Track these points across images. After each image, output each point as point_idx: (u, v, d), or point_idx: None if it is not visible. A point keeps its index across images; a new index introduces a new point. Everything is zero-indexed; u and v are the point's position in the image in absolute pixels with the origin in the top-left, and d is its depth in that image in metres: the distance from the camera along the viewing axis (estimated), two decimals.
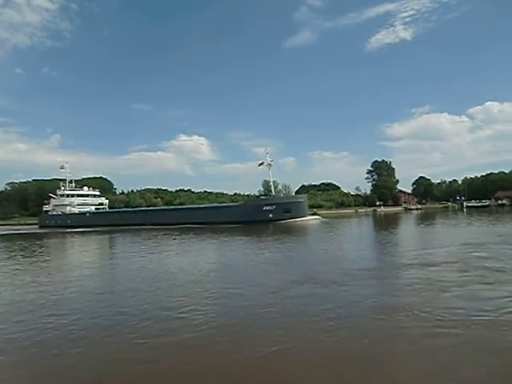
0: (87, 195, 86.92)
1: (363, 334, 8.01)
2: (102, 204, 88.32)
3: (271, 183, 75.85)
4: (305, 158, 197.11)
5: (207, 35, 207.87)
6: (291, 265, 18.25)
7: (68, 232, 59.94)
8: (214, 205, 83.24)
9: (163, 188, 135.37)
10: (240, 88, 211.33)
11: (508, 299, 10.02)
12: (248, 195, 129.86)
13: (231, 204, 79.16)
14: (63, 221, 79.96)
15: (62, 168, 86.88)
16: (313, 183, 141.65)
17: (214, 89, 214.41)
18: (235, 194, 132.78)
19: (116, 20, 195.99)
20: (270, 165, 68.76)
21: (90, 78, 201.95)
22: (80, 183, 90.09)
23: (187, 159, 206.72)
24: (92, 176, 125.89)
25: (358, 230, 43.11)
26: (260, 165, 68.78)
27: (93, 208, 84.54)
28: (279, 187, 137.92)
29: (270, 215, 60.24)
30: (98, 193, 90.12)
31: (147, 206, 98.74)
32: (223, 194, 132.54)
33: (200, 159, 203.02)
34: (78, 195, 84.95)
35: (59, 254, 29.36)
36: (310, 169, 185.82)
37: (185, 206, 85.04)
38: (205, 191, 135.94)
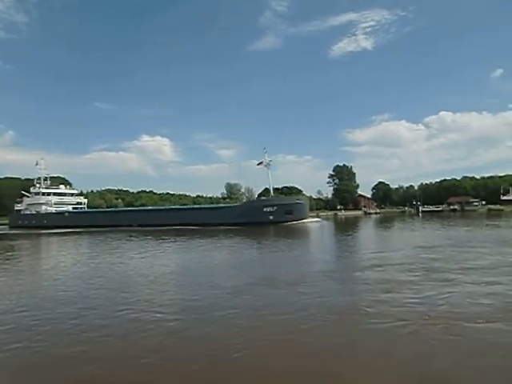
0: (64, 194, 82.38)
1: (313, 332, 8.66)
2: (80, 203, 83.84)
3: (270, 183, 72.48)
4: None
5: (171, 35, 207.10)
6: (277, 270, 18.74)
7: (44, 233, 56.72)
8: (210, 205, 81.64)
9: (124, 189, 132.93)
10: (204, 89, 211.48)
11: (451, 296, 11.08)
12: (211, 197, 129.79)
13: (228, 205, 76.87)
14: (38, 221, 75.17)
15: (36, 164, 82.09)
16: (275, 186, 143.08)
17: (178, 90, 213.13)
18: (198, 196, 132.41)
19: (77, 15, 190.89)
20: (268, 164, 67.31)
21: (48, 74, 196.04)
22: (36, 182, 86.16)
23: (149, 160, 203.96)
24: (49, 175, 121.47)
25: (323, 234, 44.30)
26: (259, 164, 67.58)
27: (70, 207, 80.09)
28: (242, 190, 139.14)
29: (271, 217, 58.58)
30: (76, 191, 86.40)
31: (107, 207, 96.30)
32: (186, 195, 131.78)
33: (163, 160, 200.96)
34: (55, 193, 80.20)
35: (29, 257, 27.96)
36: (274, 172, 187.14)
37: (177, 207, 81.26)
38: (167, 193, 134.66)
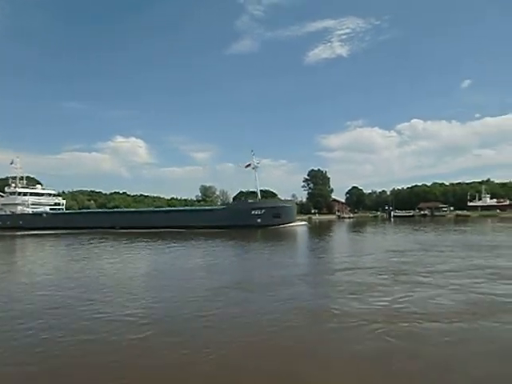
0: (41, 194, 79.07)
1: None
2: (58, 204, 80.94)
3: (257, 186, 72.08)
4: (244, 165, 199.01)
5: (147, 37, 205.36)
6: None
7: (19, 235, 54.43)
8: (196, 207, 79.38)
9: (97, 190, 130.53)
10: (180, 91, 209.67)
11: (415, 298, 11.64)
12: (185, 200, 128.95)
13: (215, 207, 75.26)
14: (13, 222, 71.81)
15: (11, 163, 78.78)
16: (251, 190, 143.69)
17: (153, 91, 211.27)
18: (172, 198, 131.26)
19: (50, 13, 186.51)
20: (256, 167, 67.02)
21: (19, 71, 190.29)
22: (4, 182, 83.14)
23: (123, 161, 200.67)
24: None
25: (305, 238, 44.86)
26: (247, 166, 67.17)
27: (47, 208, 76.97)
28: (217, 192, 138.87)
29: (259, 220, 58.05)
30: (54, 192, 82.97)
31: (79, 209, 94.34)
32: (160, 197, 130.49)
33: (137, 162, 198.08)
34: (32, 194, 76.88)
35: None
36: (249, 175, 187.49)
37: (162, 209, 79.56)
38: (141, 194, 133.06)
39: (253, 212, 59.05)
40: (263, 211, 59.02)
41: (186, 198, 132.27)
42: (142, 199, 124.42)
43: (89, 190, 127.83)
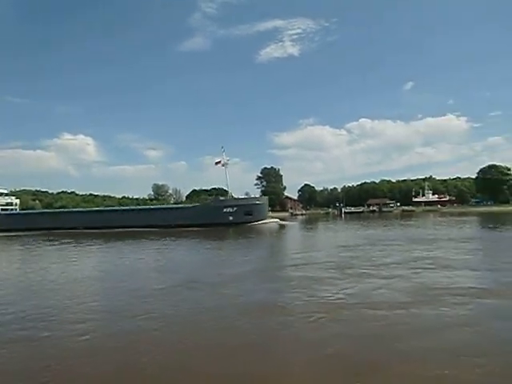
0: None
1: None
2: (10, 204, 75.89)
3: (228, 183, 70.03)
4: (196, 163, 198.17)
5: (98, 33, 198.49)
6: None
7: None
8: (167, 206, 76.72)
9: (43, 190, 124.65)
10: (130, 88, 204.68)
11: (360, 289, 12.56)
12: (137, 199, 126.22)
13: (186, 205, 73.36)
14: None
15: None
16: (204, 188, 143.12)
17: (102, 89, 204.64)
18: (124, 197, 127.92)
19: None
20: (226, 164, 65.79)
21: None
22: None
23: (71, 159, 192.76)
24: None
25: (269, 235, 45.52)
26: (217, 163, 65.85)
27: None
28: (170, 191, 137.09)
29: (231, 218, 57.47)
30: (5, 191, 77.47)
31: (22, 209, 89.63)
32: (110, 196, 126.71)
33: (86, 160, 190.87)
34: None
35: None
36: (202, 173, 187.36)
37: (129, 208, 75.87)
38: (90, 194, 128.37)
39: (225, 210, 58.70)
40: (235, 209, 58.83)
41: (137, 196, 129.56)
42: (92, 199, 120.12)
43: (33, 189, 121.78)
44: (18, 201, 79.82)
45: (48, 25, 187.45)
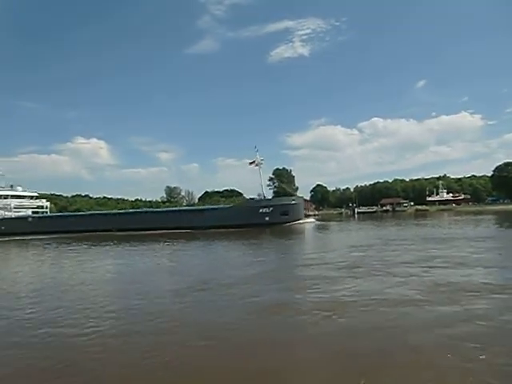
0: (23, 197, 74.17)
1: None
2: (41, 207, 76.13)
3: (262, 183, 67.81)
4: (209, 165, 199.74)
5: (108, 36, 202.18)
6: None
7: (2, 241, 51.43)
8: (202, 207, 76.20)
9: (57, 193, 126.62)
10: (143, 92, 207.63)
11: (371, 287, 12.67)
12: (150, 201, 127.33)
13: (221, 206, 72.67)
14: None
15: None
16: (216, 190, 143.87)
17: (114, 92, 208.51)
18: (136, 199, 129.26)
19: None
20: (260, 164, 64.70)
21: None
22: None
23: (85, 163, 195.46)
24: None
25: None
26: (251, 164, 64.89)
27: (29, 212, 72.35)
28: (182, 193, 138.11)
29: (267, 218, 56.38)
30: (36, 194, 78.17)
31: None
32: (124, 199, 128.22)
33: (99, 163, 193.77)
34: (13, 196, 72.10)
35: None
36: (214, 175, 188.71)
37: (163, 209, 75.86)
38: (104, 197, 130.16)
39: (261, 210, 57.71)
40: (271, 209, 57.74)
41: (150, 199, 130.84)
42: (105, 202, 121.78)
43: (49, 193, 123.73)
44: (48, 203, 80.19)
45: (61, 35, 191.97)
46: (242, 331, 9.21)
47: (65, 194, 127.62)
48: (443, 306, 10.15)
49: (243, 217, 55.92)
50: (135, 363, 7.52)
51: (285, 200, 64.16)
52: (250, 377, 6.77)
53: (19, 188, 75.88)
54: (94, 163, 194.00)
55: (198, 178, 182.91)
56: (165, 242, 37.96)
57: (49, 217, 72.91)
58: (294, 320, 9.79)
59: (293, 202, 62.50)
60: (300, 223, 59.35)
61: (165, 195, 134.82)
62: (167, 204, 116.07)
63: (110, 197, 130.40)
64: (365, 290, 12.35)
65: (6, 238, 55.81)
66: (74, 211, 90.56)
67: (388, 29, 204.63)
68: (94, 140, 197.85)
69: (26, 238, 54.92)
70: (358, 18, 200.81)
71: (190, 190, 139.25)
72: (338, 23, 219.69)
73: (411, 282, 13.31)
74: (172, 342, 8.57)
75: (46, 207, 78.62)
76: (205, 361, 7.50)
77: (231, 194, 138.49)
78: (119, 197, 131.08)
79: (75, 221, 66.57)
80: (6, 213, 70.31)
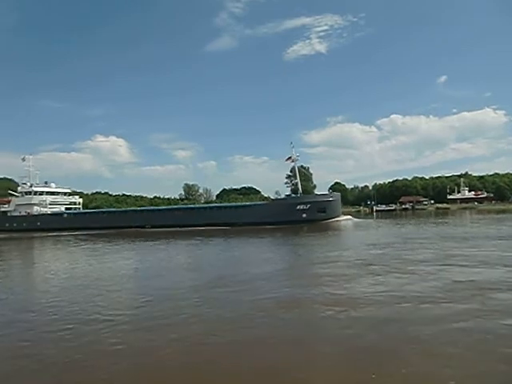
0: (57, 193, 75.51)
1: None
2: (74, 203, 77.70)
3: (298, 180, 67.58)
4: (226, 162, 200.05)
5: (127, 37, 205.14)
6: None
7: (40, 236, 52.41)
8: (238, 204, 75.39)
9: (78, 190, 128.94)
10: (161, 90, 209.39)
11: (387, 286, 12.61)
12: (169, 199, 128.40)
13: (258, 203, 71.76)
14: (30, 223, 68.46)
15: (23, 160, 75.01)
16: (234, 187, 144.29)
17: (134, 90, 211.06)
18: (155, 197, 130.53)
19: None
20: (296, 159, 64.55)
21: None
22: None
23: (104, 161, 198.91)
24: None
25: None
26: (287, 160, 65.03)
27: (63, 208, 73.71)
28: (200, 191, 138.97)
29: (304, 215, 55.30)
30: (69, 190, 79.81)
31: None
32: (142, 197, 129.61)
33: (118, 161, 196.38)
34: (48, 193, 73.48)
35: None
36: (232, 173, 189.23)
37: (198, 206, 76.04)
38: (123, 194, 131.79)
39: (298, 207, 56.52)
40: (308, 206, 56.42)
41: (168, 196, 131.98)
42: (125, 199, 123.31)
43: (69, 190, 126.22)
44: (81, 200, 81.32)
45: (82, 33, 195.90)
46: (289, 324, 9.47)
47: (85, 192, 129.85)
48: (459, 303, 10.12)
49: (280, 214, 54.99)
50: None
51: (322, 197, 62.68)
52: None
53: (53, 184, 76.75)
54: (113, 161, 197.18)
55: (214, 176, 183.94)
56: (197, 239, 38.48)
57: (84, 213, 73.72)
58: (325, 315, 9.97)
59: (330, 198, 61.01)
60: (338, 220, 57.96)
61: (183, 192, 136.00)
62: (185, 201, 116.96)
63: (128, 194, 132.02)
64: (384, 288, 12.38)
65: (44, 234, 56.57)
66: (94, 208, 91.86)
67: (406, 24, 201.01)
68: (113, 138, 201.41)
69: (62, 233, 55.58)
70: (375, 14, 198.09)
71: (208, 188, 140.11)
72: (355, 19, 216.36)
73: (430, 279, 13.32)
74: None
75: (79, 203, 79.78)
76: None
77: (249, 191, 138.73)
78: (138, 194, 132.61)
79: (110, 217, 66.94)
80: (42, 209, 71.41)
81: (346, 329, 8.70)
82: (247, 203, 71.39)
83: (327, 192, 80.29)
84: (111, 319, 10.33)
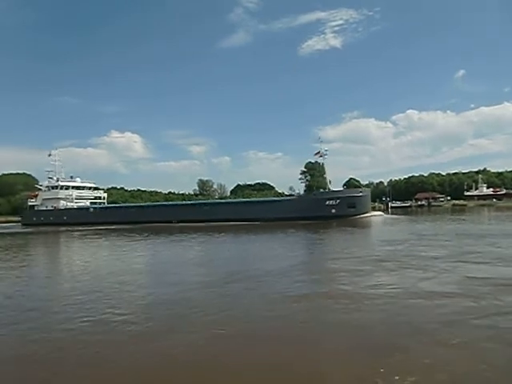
0: (83, 187, 76.98)
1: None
2: (99, 198, 79.14)
3: (327, 174, 66.29)
4: (240, 158, 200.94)
5: (142, 33, 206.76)
6: None
7: (66, 230, 53.56)
8: (266, 199, 75.99)
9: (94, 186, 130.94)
10: (176, 86, 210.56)
11: (390, 282, 12.71)
12: (183, 194, 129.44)
13: (285, 198, 72.54)
14: (57, 217, 69.86)
15: (49, 155, 76.90)
16: (248, 183, 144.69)
17: (148, 87, 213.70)
18: (170, 192, 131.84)
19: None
20: (324, 154, 63.96)
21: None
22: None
23: (120, 156, 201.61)
24: (14, 172, 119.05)
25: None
26: (316, 154, 65.11)
27: (88, 202, 75.26)
28: (214, 186, 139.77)
29: (333, 210, 54.58)
30: (94, 185, 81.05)
31: None
32: (157, 192, 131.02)
33: (133, 157, 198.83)
34: (73, 187, 74.98)
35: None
36: (246, 168, 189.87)
37: (223, 201, 76.55)
38: (138, 189, 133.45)
39: (327, 202, 55.74)
40: (338, 201, 55.59)
41: (183, 192, 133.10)
42: (140, 194, 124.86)
43: None
44: (105, 195, 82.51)
45: (99, 30, 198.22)
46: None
47: (101, 187, 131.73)
48: (474, 300, 10.13)
49: (309, 209, 54.37)
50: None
51: (352, 192, 62.27)
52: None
53: (78, 179, 77.97)
54: (129, 157, 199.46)
55: (228, 172, 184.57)
56: (221, 233, 39.00)
57: (109, 207, 74.64)
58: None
59: (360, 193, 60.06)
60: (367, 216, 56.71)
61: (197, 188, 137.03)
62: (200, 197, 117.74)
63: (143, 189, 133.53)
64: (390, 284, 12.46)
65: (70, 228, 57.56)
66: (110, 203, 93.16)
67: (423, 18, 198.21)
68: (129, 134, 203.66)
69: (89, 228, 56.00)
70: (391, 8, 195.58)
71: (222, 183, 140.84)
72: (370, 13, 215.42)
73: (444, 276, 13.32)
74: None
75: (104, 198, 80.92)
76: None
77: (263, 187, 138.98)
78: (152, 189, 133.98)
79: (136, 212, 67.32)
80: (68, 203, 72.65)
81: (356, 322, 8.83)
82: (276, 198, 71.85)
83: (341, 188, 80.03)
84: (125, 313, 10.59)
